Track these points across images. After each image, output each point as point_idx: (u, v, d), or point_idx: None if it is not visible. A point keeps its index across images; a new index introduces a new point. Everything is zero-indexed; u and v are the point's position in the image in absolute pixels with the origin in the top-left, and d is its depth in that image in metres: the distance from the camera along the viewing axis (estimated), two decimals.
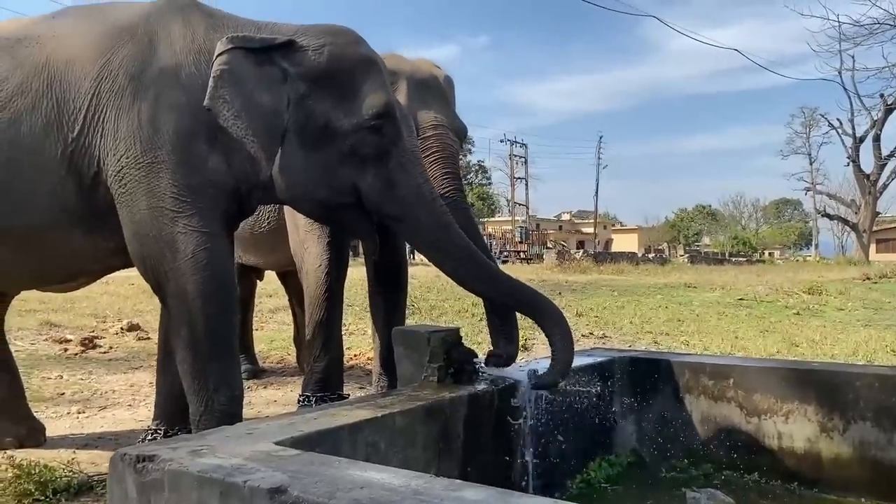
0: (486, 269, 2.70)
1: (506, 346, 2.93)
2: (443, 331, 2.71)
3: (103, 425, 3.90)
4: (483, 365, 2.75)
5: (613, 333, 8.21)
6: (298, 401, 3.85)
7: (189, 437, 2.01)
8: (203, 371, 2.63)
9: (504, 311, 2.98)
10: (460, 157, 3.72)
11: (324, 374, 3.78)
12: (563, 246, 38.17)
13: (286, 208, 4.06)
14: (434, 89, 3.56)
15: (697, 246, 58.55)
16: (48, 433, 3.63)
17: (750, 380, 3.04)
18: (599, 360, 3.29)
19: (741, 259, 42.47)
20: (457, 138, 3.53)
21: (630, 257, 29.07)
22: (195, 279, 2.59)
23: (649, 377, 3.25)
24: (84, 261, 3.00)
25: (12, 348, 5.69)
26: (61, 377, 5.00)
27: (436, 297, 9.98)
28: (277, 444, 1.75)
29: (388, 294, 4.08)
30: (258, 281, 5.69)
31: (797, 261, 45.43)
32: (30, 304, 7.10)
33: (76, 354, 5.82)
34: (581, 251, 32.51)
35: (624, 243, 50.59)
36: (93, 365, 5.45)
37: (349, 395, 3.91)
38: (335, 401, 3.51)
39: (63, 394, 4.59)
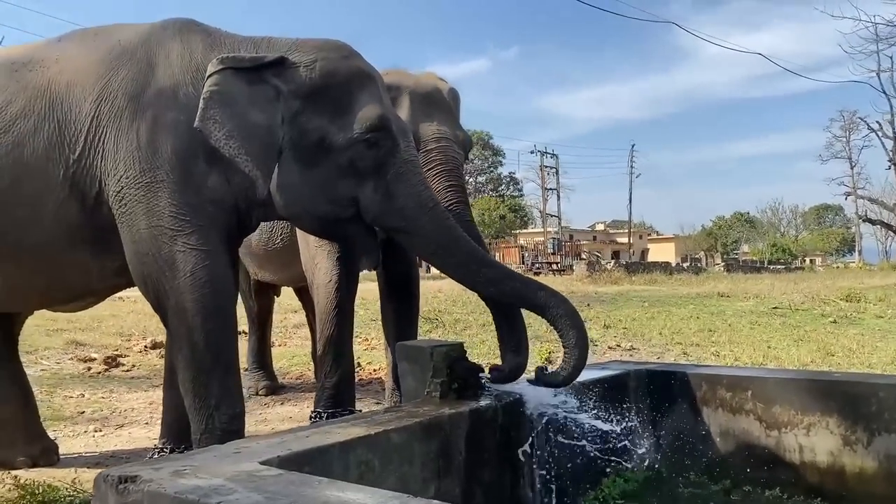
0: (494, 271, 2.64)
1: (512, 358, 2.85)
2: (446, 345, 2.66)
3: (118, 444, 3.92)
4: (490, 379, 2.69)
5: (642, 345, 8.06)
6: (310, 417, 3.82)
7: (175, 456, 1.98)
8: (203, 389, 2.62)
9: (511, 320, 2.89)
10: (465, 168, 3.68)
11: (335, 389, 3.75)
12: (598, 256, 37.83)
13: None
14: (437, 102, 3.52)
15: (736, 254, 57.64)
16: (64, 452, 3.65)
17: (769, 391, 2.92)
18: (614, 372, 3.21)
19: (780, 267, 41.67)
20: (461, 150, 3.49)
21: (664, 267, 28.67)
22: (194, 297, 2.59)
23: (666, 390, 3.15)
24: (89, 280, 3.02)
25: (38, 368, 5.83)
26: (83, 395, 5.05)
27: (461, 310, 9.92)
28: (263, 463, 1.71)
29: (400, 307, 4.05)
30: (276, 297, 5.71)
31: (838, 267, 44.45)
32: (58, 324, 7.21)
33: (99, 373, 5.88)
34: (614, 261, 32.14)
35: (660, 252, 49.97)
36: (115, 383, 5.50)
37: (361, 410, 3.87)
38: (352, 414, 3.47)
39: (83, 412, 4.62)
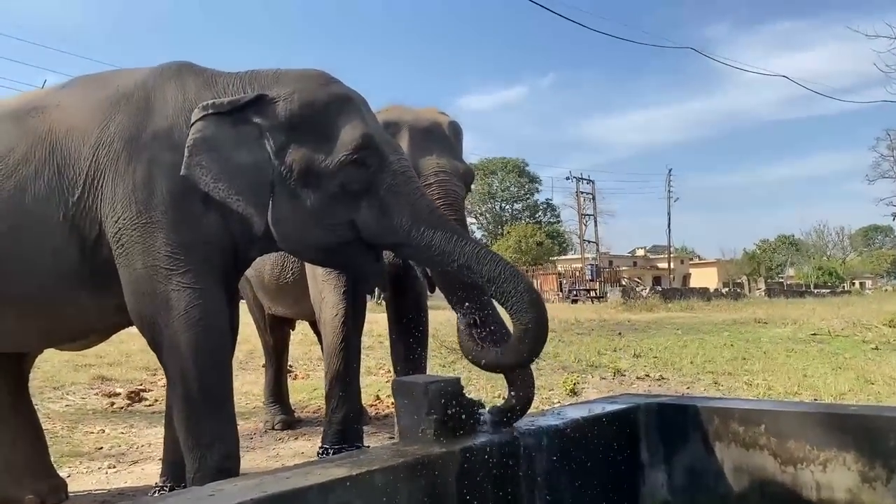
0: (496, 268, 2.53)
1: (516, 395, 2.76)
2: (442, 381, 2.60)
3: (129, 481, 3.92)
4: (488, 416, 2.62)
5: (672, 375, 7.87)
6: (318, 453, 3.78)
7: (148, 500, 1.96)
8: (197, 428, 2.61)
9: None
10: (466, 200, 3.64)
11: (342, 425, 3.72)
12: (637, 282, 37.30)
13: None
14: (436, 136, 3.50)
15: (781, 278, 56.40)
16: (75, 489, 3.67)
17: (783, 426, 2.80)
18: (623, 406, 3.11)
19: (825, 291, 40.59)
20: (461, 183, 3.45)
21: (701, 293, 28.10)
22: (188, 336, 2.60)
23: (677, 424, 3.04)
24: (91, 320, 3.06)
25: (64, 403, 5.91)
26: (103, 431, 5.09)
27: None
28: None
29: (409, 341, 4.01)
30: (291, 330, 5.71)
31: (887, 290, 43.12)
32: (87, 360, 7.32)
33: (122, 408, 5.93)
34: (649, 288, 31.62)
35: (702, 278, 49.07)
36: (136, 418, 5.54)
37: (369, 445, 3.82)
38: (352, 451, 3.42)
39: (101, 448, 4.66)
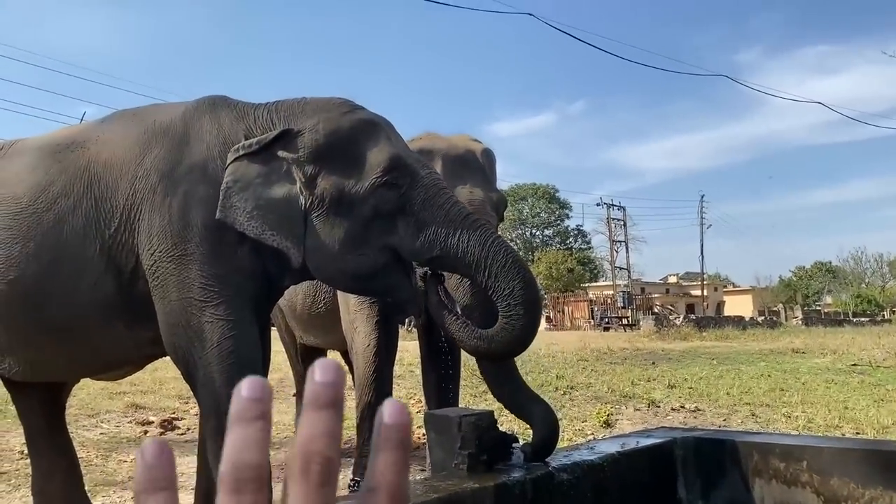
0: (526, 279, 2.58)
1: (540, 432, 2.71)
2: (475, 414, 2.57)
3: None
4: (522, 450, 2.58)
5: (708, 406, 7.72)
6: (348, 486, 3.76)
7: None
8: None
9: (531, 397, 2.83)
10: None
11: None
12: (670, 310, 36.79)
13: None
14: (469, 165, 3.51)
15: (818, 306, 55.27)
16: None
17: (825, 462, 2.72)
18: (659, 440, 3.04)
19: (864, 319, 39.64)
20: (494, 212, 3.45)
21: (736, 321, 27.59)
22: (220, 367, 2.61)
23: (715, 459, 2.97)
24: (125, 351, 3.09)
25: (98, 431, 5.96)
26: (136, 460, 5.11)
27: (520, 369, 9.70)
28: None
29: (441, 373, 3.98)
30: None
31: None
32: (121, 387, 7.38)
33: (155, 437, 5.95)
34: (682, 315, 31.14)
35: (737, 305, 48.25)
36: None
37: None
38: None
39: (134, 477, 4.67)
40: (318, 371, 0.37)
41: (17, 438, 4.96)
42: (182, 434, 6.04)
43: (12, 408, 3.79)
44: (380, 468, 0.36)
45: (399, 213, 2.64)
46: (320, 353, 5.52)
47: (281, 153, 2.68)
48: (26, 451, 3.81)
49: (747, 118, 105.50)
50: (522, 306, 2.53)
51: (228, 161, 2.68)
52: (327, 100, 2.83)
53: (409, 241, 2.64)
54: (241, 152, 2.68)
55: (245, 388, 0.37)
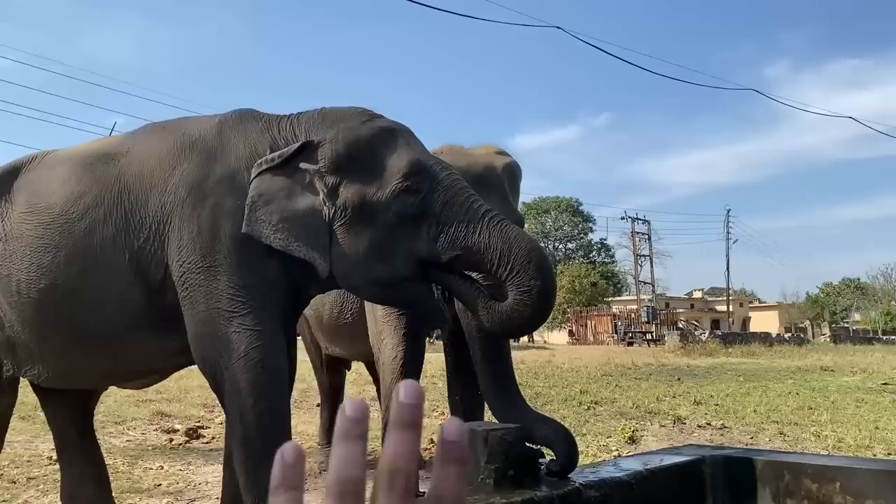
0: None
1: (562, 449, 2.67)
2: (501, 429, 2.55)
3: None
4: (549, 466, 2.56)
5: (734, 423, 7.61)
6: None
7: None
8: (255, 470, 2.62)
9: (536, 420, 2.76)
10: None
11: None
12: (695, 325, 36.39)
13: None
14: (489, 183, 3.37)
15: (846, 323, 54.39)
16: None
17: (860, 483, 2.65)
18: (687, 458, 2.99)
19: (894, 337, 38.92)
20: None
21: (763, 337, 27.23)
22: (247, 377, 2.63)
23: (745, 478, 2.92)
24: (153, 360, 3.13)
25: (125, 438, 6.02)
26: (162, 467, 5.15)
27: (542, 383, 9.69)
28: None
29: (467, 387, 3.95)
30: (347, 371, 5.72)
31: None
32: (147, 395, 7.47)
33: (180, 444, 6.01)
34: (708, 331, 30.77)
35: (763, 322, 47.61)
36: (193, 455, 5.60)
37: (424, 492, 3.77)
38: None
39: (160, 485, 4.71)
40: (402, 391, 0.41)
41: (45, 444, 5.03)
42: (207, 443, 6.08)
43: (41, 413, 3.84)
44: (442, 479, 0.41)
45: (421, 217, 2.65)
46: (345, 363, 5.54)
47: (303, 165, 2.71)
48: (55, 457, 3.86)
49: (775, 133, 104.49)
50: (537, 297, 2.52)
51: (252, 175, 2.73)
52: (346, 110, 2.86)
53: (431, 243, 2.64)
54: (264, 166, 2.72)
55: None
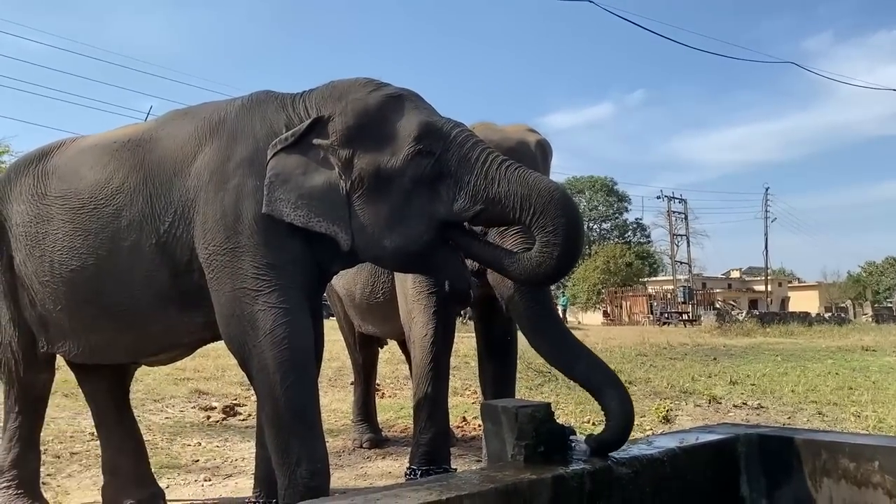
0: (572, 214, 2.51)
1: (613, 423, 2.61)
2: (531, 406, 2.54)
3: (223, 493, 4.03)
4: (580, 443, 2.55)
5: (771, 403, 7.50)
6: (405, 474, 3.78)
7: None
8: (286, 445, 2.66)
9: (610, 383, 2.67)
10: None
11: (430, 446, 3.70)
12: (732, 305, 35.88)
13: (397, 278, 4.10)
14: (523, 156, 3.35)
15: (889, 302, 53.15)
16: (172, 498, 3.81)
17: None
18: (722, 437, 2.96)
19: None
20: None
21: (802, 317, 26.72)
22: (273, 354, 2.67)
23: (780, 457, 2.88)
24: (178, 335, 3.22)
25: (163, 415, 6.15)
26: (200, 444, 5.26)
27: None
28: None
29: (498, 366, 3.97)
30: (380, 349, 5.76)
31: None
32: (185, 373, 7.61)
33: (217, 422, 6.11)
34: (745, 311, 30.28)
35: (802, 302, 46.71)
36: (230, 432, 5.70)
37: (457, 468, 3.80)
38: (441, 474, 3.40)
39: (197, 461, 4.80)
40: None
41: (87, 421, 5.14)
42: (243, 420, 6.18)
43: None
44: None
45: (438, 178, 2.64)
46: (378, 342, 5.57)
47: (316, 141, 2.74)
48: (96, 433, 3.96)
49: (815, 108, 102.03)
50: (563, 234, 2.44)
51: (269, 156, 2.77)
52: (352, 81, 2.87)
53: (452, 204, 2.62)
54: (279, 146, 2.77)
55: None
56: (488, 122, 3.68)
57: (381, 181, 2.68)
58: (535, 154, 3.54)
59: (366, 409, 5.46)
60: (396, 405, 6.90)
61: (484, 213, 2.61)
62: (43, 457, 3.85)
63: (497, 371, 3.97)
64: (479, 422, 5.98)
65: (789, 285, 55.44)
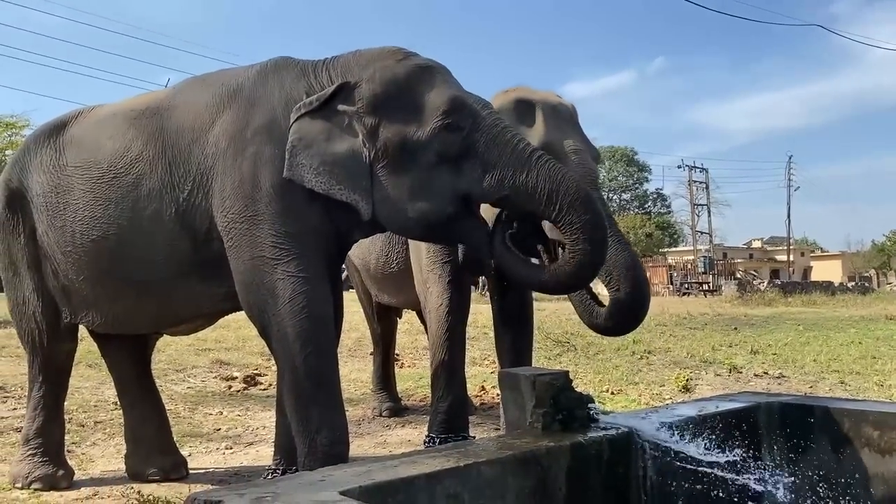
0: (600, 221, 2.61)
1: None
2: (549, 374, 2.53)
3: (244, 461, 4.07)
4: (598, 411, 2.54)
5: (792, 373, 7.44)
6: (424, 442, 3.80)
7: (261, 483, 2.00)
8: (305, 413, 2.67)
9: None
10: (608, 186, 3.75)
11: (447, 414, 3.72)
12: (753, 275, 35.59)
13: (411, 248, 4.08)
14: (566, 116, 3.54)
15: None
16: (194, 466, 3.86)
17: None
18: (742, 405, 2.95)
19: None
20: (595, 163, 3.50)
21: (825, 287, 26.42)
22: (293, 322, 2.67)
23: (802, 426, 2.85)
24: (199, 305, 3.23)
25: (185, 385, 6.22)
26: (221, 413, 5.32)
27: (595, 333, 9.58)
28: (343, 493, 1.68)
29: (514, 335, 3.96)
30: (398, 319, 5.77)
31: None
32: (207, 344, 7.68)
33: (238, 391, 6.17)
34: (767, 281, 30.00)
35: (825, 271, 46.14)
36: (251, 401, 5.75)
37: (475, 436, 3.81)
38: (459, 442, 3.41)
39: (219, 429, 4.86)
40: None
41: (111, 390, 5.21)
42: (264, 389, 6.23)
43: None
44: None
45: (463, 155, 2.63)
46: (396, 311, 5.58)
47: (341, 107, 2.70)
48: (119, 403, 4.01)
49: (841, 73, 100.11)
50: (588, 242, 2.53)
51: (291, 120, 2.73)
52: (380, 49, 2.84)
53: (476, 183, 2.63)
54: (303, 110, 2.72)
55: None
56: (525, 86, 3.68)
57: (406, 152, 2.65)
58: (574, 115, 3.62)
59: (385, 378, 5.49)
60: (416, 375, 6.93)
61: (508, 199, 2.65)
62: (67, 425, 3.91)
63: (514, 341, 3.96)
64: (498, 391, 6.00)
65: (812, 255, 54.80)
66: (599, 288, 3.33)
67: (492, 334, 4.37)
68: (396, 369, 6.14)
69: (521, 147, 2.61)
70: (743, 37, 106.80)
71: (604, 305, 3.27)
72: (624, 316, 3.23)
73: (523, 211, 2.71)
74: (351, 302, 4.12)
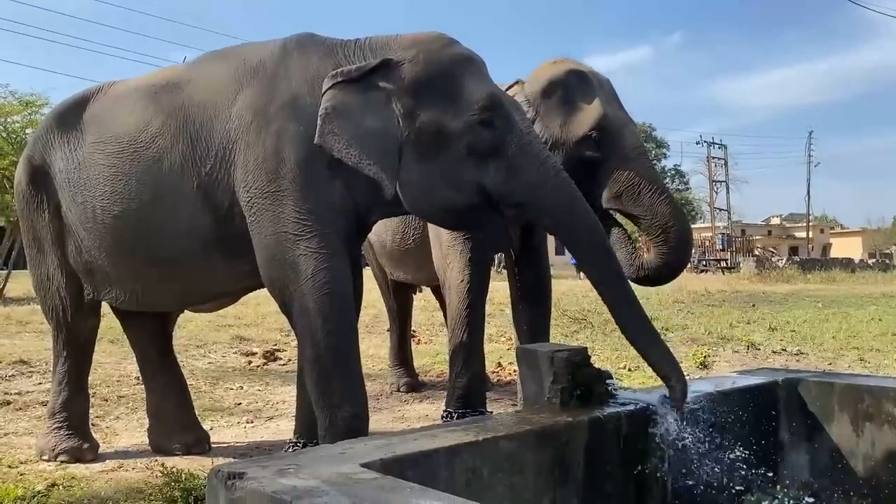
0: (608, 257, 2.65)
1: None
2: (567, 350, 2.54)
3: (265, 435, 4.13)
4: (616, 387, 2.54)
5: (811, 350, 7.41)
6: (442, 417, 3.83)
7: (283, 455, 2.03)
8: (326, 388, 2.70)
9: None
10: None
11: (465, 390, 3.74)
12: (772, 252, 35.28)
13: (430, 225, 4.09)
14: (609, 89, 3.60)
15: None
16: (216, 441, 3.91)
17: None
18: (761, 381, 2.95)
19: None
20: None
21: (844, 264, 26.16)
22: (314, 299, 2.68)
23: (821, 402, 2.85)
24: (223, 282, 3.25)
25: (206, 361, 6.30)
26: (241, 388, 5.38)
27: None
28: (364, 465, 1.70)
29: (532, 310, 3.97)
30: (414, 295, 5.79)
31: None
32: (227, 320, 7.76)
33: (258, 367, 6.25)
34: (785, 258, 29.75)
35: (845, 248, 45.66)
36: (271, 377, 5.82)
37: (492, 411, 3.83)
38: (477, 416, 3.44)
39: (240, 404, 4.93)
40: None
41: (133, 366, 5.28)
42: (283, 365, 6.30)
43: None
44: None
45: (492, 154, 2.65)
46: (411, 288, 5.60)
47: (381, 83, 2.68)
48: (141, 378, 4.07)
49: (863, 47, 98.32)
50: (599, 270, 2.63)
51: (326, 86, 2.69)
52: (425, 33, 2.83)
53: (498, 185, 2.66)
54: (340, 78, 2.68)
55: None
56: (569, 58, 3.70)
57: (439, 139, 2.66)
58: (612, 87, 3.67)
59: (402, 354, 5.53)
60: (432, 351, 6.97)
61: (523, 206, 2.71)
62: (92, 399, 3.98)
63: (531, 317, 3.97)
64: (514, 367, 6.01)
65: (831, 231, 54.23)
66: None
67: (508, 311, 4.38)
68: (413, 345, 6.18)
69: (548, 163, 2.67)
70: (762, 9, 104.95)
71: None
72: (668, 264, 3.42)
73: (533, 220, 2.87)
74: (367, 279, 4.14)
